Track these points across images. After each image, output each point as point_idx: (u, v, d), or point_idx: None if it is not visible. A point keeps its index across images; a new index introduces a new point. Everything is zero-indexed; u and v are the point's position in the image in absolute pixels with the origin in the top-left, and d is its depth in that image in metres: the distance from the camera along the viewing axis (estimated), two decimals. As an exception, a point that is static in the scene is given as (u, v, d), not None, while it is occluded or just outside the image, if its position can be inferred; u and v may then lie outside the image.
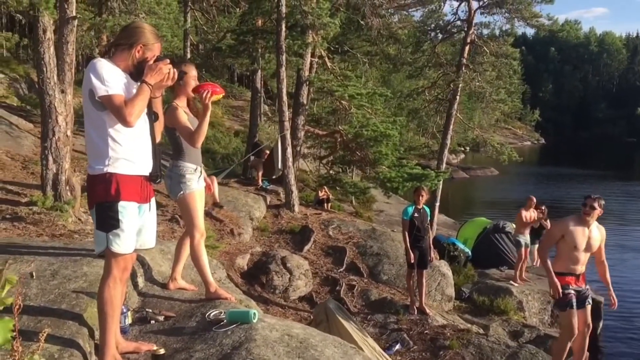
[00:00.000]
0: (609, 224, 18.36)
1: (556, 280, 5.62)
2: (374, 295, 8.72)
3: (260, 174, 14.13)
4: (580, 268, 5.75)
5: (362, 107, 13.93)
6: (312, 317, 6.96)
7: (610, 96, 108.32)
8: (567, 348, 5.82)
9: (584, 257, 5.74)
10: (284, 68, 12.16)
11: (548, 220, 10.90)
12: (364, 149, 13.75)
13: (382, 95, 15.00)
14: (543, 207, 11.21)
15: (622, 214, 23.66)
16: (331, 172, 16.18)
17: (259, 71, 16.13)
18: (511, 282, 10.73)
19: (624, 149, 76.96)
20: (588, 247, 5.72)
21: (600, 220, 5.92)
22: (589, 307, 5.88)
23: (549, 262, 5.76)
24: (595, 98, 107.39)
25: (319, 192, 14.81)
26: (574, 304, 5.67)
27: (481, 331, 8.12)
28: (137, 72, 2.95)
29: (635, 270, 14.57)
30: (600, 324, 9.67)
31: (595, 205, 5.68)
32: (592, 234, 5.73)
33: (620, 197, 29.39)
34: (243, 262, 9.08)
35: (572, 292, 5.67)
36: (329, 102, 15.86)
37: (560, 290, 5.60)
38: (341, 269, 9.65)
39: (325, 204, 14.31)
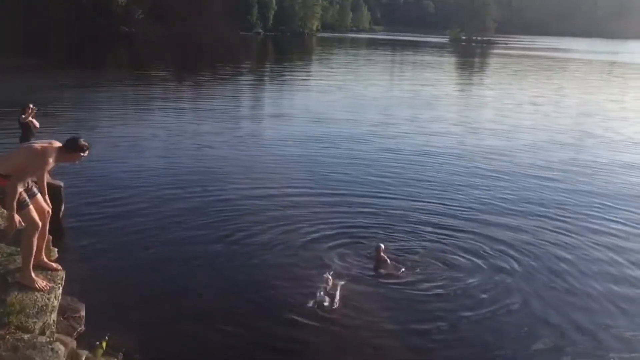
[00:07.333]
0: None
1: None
2: None
3: None
4: None
5: None
6: None
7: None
8: (36, 240, 6.19)
9: None
10: None
11: None
12: None
13: None
14: None
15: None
16: None
17: None
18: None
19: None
20: None
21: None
22: (38, 196, 6.34)
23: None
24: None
25: None
26: (29, 201, 6.11)
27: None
28: None
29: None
30: (62, 207, 10.65)
31: None
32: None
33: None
34: None
35: (24, 192, 6.05)
36: None
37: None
38: None
39: None
